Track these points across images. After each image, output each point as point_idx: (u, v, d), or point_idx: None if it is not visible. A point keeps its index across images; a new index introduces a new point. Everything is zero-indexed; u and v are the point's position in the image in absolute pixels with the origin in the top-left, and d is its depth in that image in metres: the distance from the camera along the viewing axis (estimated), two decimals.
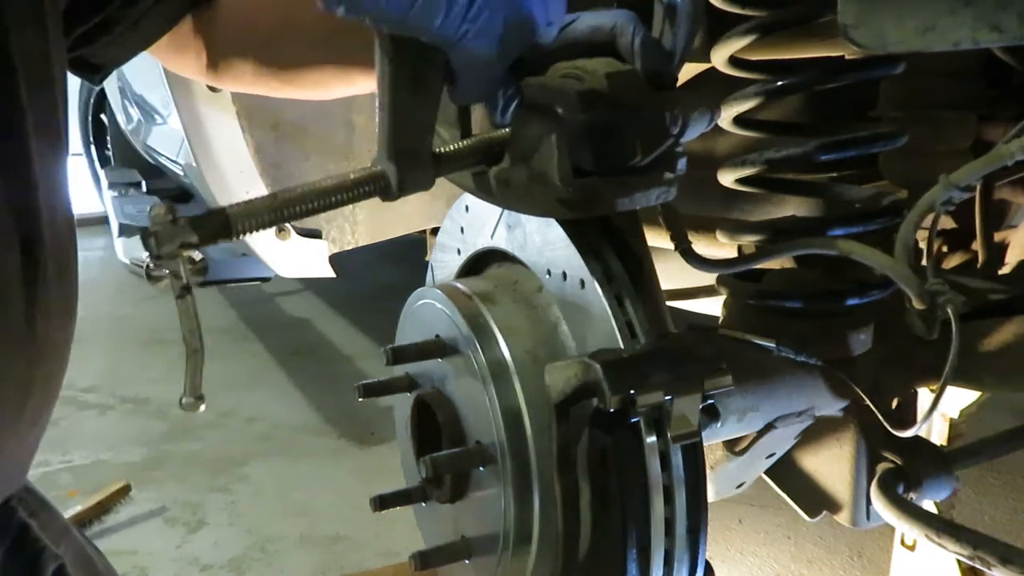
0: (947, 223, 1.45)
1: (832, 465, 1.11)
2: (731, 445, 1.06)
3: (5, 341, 0.76)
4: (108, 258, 5.69)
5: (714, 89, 1.15)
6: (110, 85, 3.65)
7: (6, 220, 0.75)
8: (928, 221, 0.83)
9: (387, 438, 3.22)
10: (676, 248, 0.97)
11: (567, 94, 0.71)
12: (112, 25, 0.92)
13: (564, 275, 0.80)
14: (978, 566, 0.93)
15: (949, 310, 0.78)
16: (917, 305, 0.81)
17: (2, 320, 0.76)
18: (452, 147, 0.76)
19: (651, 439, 0.72)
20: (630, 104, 0.71)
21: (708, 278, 1.12)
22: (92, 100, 4.86)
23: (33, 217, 0.77)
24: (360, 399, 0.93)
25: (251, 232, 0.71)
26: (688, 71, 1.42)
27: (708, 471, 1.03)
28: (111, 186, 4.01)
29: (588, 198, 0.72)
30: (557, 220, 0.80)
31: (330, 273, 1.98)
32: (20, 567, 0.88)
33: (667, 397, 0.70)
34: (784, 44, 1.12)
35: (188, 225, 0.67)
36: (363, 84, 1.01)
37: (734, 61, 1.09)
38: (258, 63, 1.04)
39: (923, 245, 0.86)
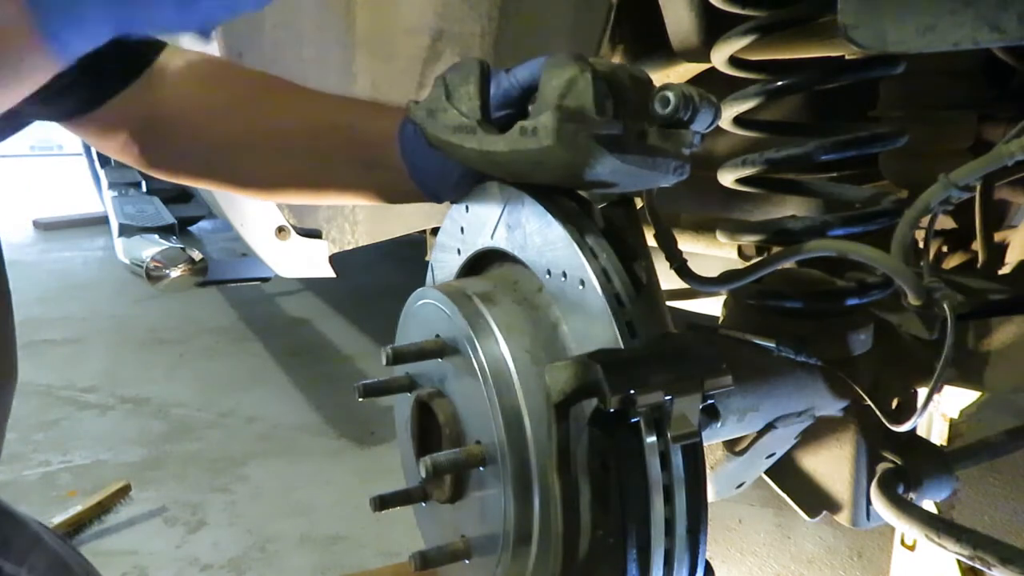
0: (947, 223, 1.45)
1: (832, 465, 1.11)
2: (731, 445, 1.06)
3: None
4: (108, 258, 5.70)
5: (713, 89, 1.15)
6: None
7: None
8: (926, 220, 0.83)
9: (387, 438, 3.22)
10: (671, 267, 0.96)
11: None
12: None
13: (564, 275, 0.80)
14: (978, 566, 0.93)
15: (945, 306, 0.79)
16: (913, 301, 0.81)
17: None
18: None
19: (651, 439, 0.72)
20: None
21: None
22: None
23: None
24: (360, 399, 0.93)
25: None
26: (688, 71, 1.42)
27: (708, 471, 1.03)
28: (111, 186, 3.99)
29: (622, 140, 0.76)
30: (557, 219, 0.80)
31: (330, 273, 1.97)
32: None
33: (667, 397, 0.70)
34: (784, 44, 1.12)
35: None
36: (335, 198, 1.00)
37: (734, 61, 1.10)
38: (206, 168, 1.00)
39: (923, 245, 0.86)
